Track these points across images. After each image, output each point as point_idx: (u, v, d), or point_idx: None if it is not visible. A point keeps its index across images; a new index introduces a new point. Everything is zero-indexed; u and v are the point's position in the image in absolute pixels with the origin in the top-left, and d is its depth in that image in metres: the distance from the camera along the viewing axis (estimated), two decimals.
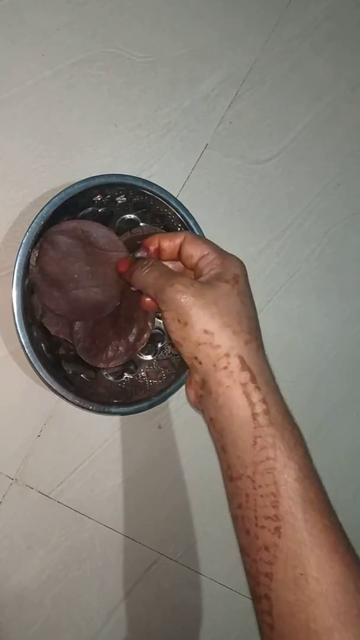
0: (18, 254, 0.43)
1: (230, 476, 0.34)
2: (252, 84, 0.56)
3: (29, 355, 0.44)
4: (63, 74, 0.51)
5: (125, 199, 0.48)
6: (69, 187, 0.45)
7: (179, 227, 0.49)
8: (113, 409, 0.46)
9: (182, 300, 0.35)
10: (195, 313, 0.35)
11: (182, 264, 0.41)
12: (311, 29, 0.58)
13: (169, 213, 0.48)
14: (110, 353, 0.48)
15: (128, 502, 0.53)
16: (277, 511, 0.32)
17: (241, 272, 0.37)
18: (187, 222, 0.48)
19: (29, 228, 0.44)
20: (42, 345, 0.46)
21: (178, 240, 0.40)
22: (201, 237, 0.40)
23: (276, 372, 0.47)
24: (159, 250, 0.41)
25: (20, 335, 0.43)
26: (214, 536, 0.55)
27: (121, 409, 0.47)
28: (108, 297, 0.46)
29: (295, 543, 0.31)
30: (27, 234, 0.43)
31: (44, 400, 0.51)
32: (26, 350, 0.43)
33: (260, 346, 0.36)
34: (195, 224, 0.48)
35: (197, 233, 0.48)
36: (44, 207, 0.44)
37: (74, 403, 0.45)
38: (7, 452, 0.50)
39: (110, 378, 0.50)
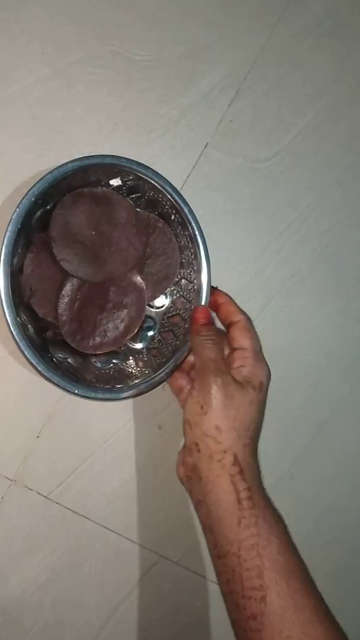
0: (7, 229, 0.42)
1: (217, 554, 0.38)
2: (252, 82, 0.56)
3: (14, 334, 0.42)
4: (62, 72, 0.51)
5: (120, 182, 0.47)
6: (61, 165, 0.43)
7: (174, 213, 0.47)
8: (99, 395, 0.45)
9: (213, 393, 0.40)
10: (216, 409, 0.39)
11: (226, 335, 0.45)
12: (312, 28, 0.58)
13: (164, 199, 0.47)
14: (97, 339, 0.47)
15: (128, 504, 0.53)
16: (262, 581, 0.35)
17: (266, 382, 0.43)
18: (182, 209, 0.46)
19: (19, 204, 0.42)
20: (29, 326, 0.45)
21: (234, 317, 0.45)
22: (253, 330, 0.44)
23: (276, 372, 0.47)
24: (219, 305, 0.46)
25: (7, 314, 0.42)
26: None
27: (107, 395, 0.45)
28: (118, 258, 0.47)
29: (281, 609, 0.35)
30: (17, 210, 0.42)
31: (43, 400, 0.50)
32: (12, 329, 0.42)
33: (255, 449, 0.41)
34: (190, 211, 0.46)
35: (192, 222, 0.47)
36: (35, 184, 0.43)
37: (58, 385, 0.43)
38: (6, 453, 0.50)
39: (98, 364, 0.49)
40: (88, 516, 0.52)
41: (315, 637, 0.34)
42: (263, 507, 0.38)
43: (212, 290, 0.47)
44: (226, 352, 0.44)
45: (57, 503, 0.51)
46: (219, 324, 0.48)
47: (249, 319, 0.45)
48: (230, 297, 0.47)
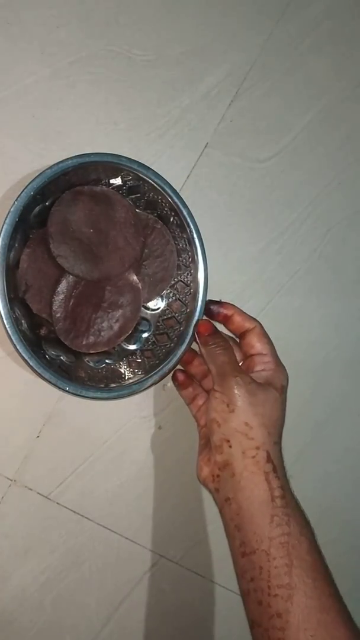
0: (4, 222, 0.42)
1: (243, 552, 0.38)
2: (252, 82, 0.56)
3: (7, 328, 0.41)
4: (62, 72, 0.51)
5: (120, 182, 0.47)
6: (61, 161, 0.43)
7: (173, 215, 0.47)
8: (91, 393, 0.44)
9: (237, 392, 0.40)
10: (242, 406, 0.40)
11: (240, 343, 0.46)
12: (312, 28, 0.58)
13: (163, 201, 0.47)
14: (91, 338, 0.46)
15: (128, 504, 0.53)
16: (290, 580, 0.36)
17: (286, 384, 0.43)
18: (180, 211, 0.46)
19: (17, 197, 0.42)
20: (23, 322, 0.45)
21: (248, 325, 0.45)
22: (268, 336, 0.45)
23: None
24: (228, 318, 0.46)
25: (0, 306, 0.41)
26: (214, 538, 0.55)
27: (99, 394, 0.45)
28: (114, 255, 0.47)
29: (306, 608, 0.35)
30: (16, 203, 0.42)
31: (43, 400, 0.50)
32: (5, 322, 0.41)
33: (281, 449, 0.42)
34: (189, 213, 0.46)
35: (191, 225, 0.47)
36: (34, 179, 0.42)
37: (50, 382, 0.43)
38: (6, 453, 0.50)
39: (91, 364, 0.49)
40: (88, 516, 0.52)
41: (338, 638, 0.34)
42: (294, 507, 0.39)
43: (218, 303, 0.47)
44: (239, 358, 0.45)
45: (57, 503, 0.51)
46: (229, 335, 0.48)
47: (262, 325, 0.46)
48: (237, 307, 0.47)
